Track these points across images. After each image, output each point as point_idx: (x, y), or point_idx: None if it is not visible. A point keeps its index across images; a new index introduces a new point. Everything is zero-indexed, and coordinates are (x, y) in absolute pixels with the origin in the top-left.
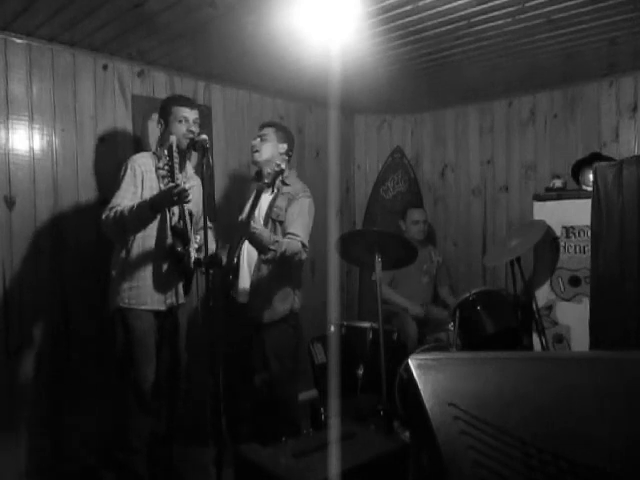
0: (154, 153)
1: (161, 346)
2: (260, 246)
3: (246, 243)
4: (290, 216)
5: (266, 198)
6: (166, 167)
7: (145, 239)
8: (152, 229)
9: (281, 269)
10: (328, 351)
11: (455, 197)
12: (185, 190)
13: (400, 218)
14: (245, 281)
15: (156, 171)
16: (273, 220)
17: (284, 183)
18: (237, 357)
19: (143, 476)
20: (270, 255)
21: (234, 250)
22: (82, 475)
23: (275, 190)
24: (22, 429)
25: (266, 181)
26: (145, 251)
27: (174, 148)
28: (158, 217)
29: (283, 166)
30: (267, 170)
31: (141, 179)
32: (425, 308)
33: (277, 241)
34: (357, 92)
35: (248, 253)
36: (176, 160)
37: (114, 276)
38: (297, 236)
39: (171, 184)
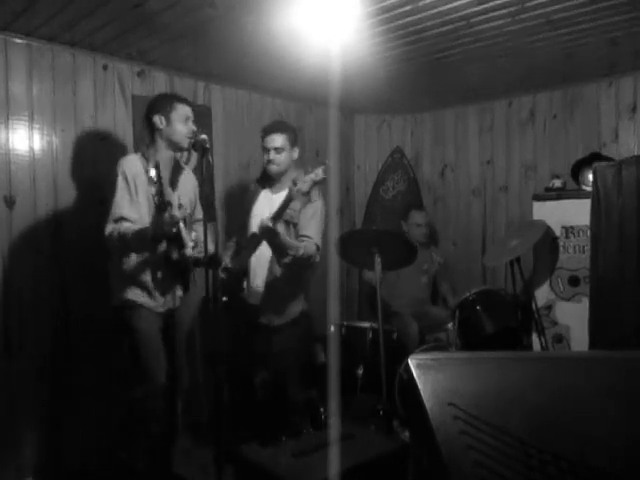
0: (143, 155)
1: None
2: (280, 250)
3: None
4: (304, 219)
5: (277, 199)
6: (155, 190)
7: None
8: None
9: (294, 271)
10: (328, 351)
11: (455, 197)
12: (177, 222)
13: (402, 219)
14: (257, 283)
15: (146, 173)
16: (287, 222)
17: (295, 184)
18: (238, 357)
19: (144, 476)
20: (289, 259)
21: (249, 252)
22: (83, 474)
23: (288, 191)
24: (22, 428)
25: (304, 190)
26: (139, 258)
27: (161, 172)
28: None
29: (323, 175)
30: (286, 177)
31: (134, 184)
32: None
33: (297, 245)
34: (357, 92)
35: (257, 255)
36: (163, 181)
37: (112, 276)
38: (311, 239)
39: (166, 215)
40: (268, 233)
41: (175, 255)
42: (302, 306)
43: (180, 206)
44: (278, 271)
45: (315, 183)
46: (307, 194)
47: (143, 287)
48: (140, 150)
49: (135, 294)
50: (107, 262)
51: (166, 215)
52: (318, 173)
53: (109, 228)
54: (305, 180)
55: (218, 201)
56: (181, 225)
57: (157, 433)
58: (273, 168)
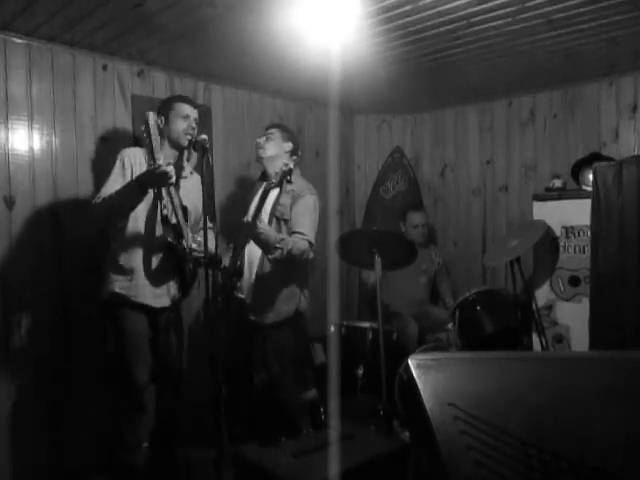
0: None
1: (156, 344)
2: (266, 246)
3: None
4: (296, 215)
5: (271, 197)
6: (146, 144)
7: (134, 229)
8: (140, 220)
9: (286, 268)
10: (328, 351)
11: (455, 197)
12: (165, 173)
13: (400, 220)
14: (248, 281)
15: (148, 167)
16: (277, 218)
17: (288, 181)
18: (237, 357)
19: (143, 475)
20: (277, 254)
21: (238, 251)
22: (83, 475)
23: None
24: (22, 428)
25: (274, 181)
26: (134, 242)
27: (151, 123)
28: (146, 206)
29: (291, 165)
30: (274, 170)
31: (130, 171)
32: None
33: (283, 239)
34: (357, 92)
35: (250, 253)
36: (154, 138)
37: (105, 265)
38: (304, 235)
39: (152, 164)
40: (249, 228)
41: (171, 239)
42: (296, 305)
43: (169, 164)
44: (268, 269)
45: (285, 173)
46: (278, 185)
47: (132, 276)
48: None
49: (122, 286)
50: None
51: (156, 166)
52: (287, 163)
53: (95, 200)
54: (277, 172)
55: (217, 201)
56: (179, 210)
57: (149, 431)
58: (259, 152)
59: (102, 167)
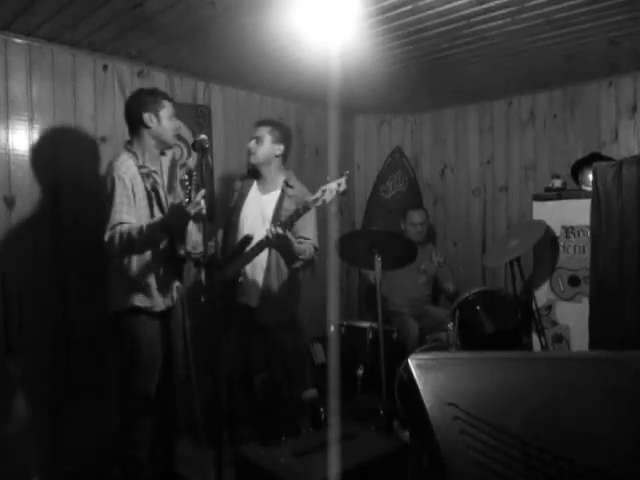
0: (130, 151)
1: (166, 346)
2: (291, 256)
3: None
4: (301, 220)
5: (268, 199)
6: (187, 191)
7: None
8: None
9: (291, 273)
10: (328, 351)
11: (455, 197)
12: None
13: (401, 218)
14: (254, 285)
15: (139, 169)
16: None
17: (288, 185)
18: (238, 357)
19: (147, 468)
20: (299, 264)
21: (250, 256)
22: (85, 473)
23: (280, 192)
24: (23, 428)
25: (325, 199)
26: (145, 258)
27: (194, 173)
28: (147, 213)
29: (345, 186)
30: (269, 172)
31: (131, 188)
32: None
33: (305, 250)
34: (357, 92)
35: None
36: (195, 182)
37: (115, 279)
38: (309, 240)
39: (186, 200)
40: (279, 239)
41: (182, 252)
42: (297, 307)
43: (197, 204)
44: (282, 274)
45: (338, 194)
46: (324, 201)
47: (146, 290)
48: (126, 147)
49: (139, 299)
50: (107, 264)
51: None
52: (341, 183)
53: (108, 234)
54: (325, 190)
55: (217, 201)
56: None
57: (155, 429)
58: (250, 158)
59: (102, 168)
